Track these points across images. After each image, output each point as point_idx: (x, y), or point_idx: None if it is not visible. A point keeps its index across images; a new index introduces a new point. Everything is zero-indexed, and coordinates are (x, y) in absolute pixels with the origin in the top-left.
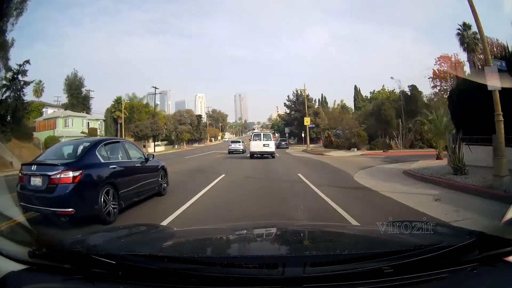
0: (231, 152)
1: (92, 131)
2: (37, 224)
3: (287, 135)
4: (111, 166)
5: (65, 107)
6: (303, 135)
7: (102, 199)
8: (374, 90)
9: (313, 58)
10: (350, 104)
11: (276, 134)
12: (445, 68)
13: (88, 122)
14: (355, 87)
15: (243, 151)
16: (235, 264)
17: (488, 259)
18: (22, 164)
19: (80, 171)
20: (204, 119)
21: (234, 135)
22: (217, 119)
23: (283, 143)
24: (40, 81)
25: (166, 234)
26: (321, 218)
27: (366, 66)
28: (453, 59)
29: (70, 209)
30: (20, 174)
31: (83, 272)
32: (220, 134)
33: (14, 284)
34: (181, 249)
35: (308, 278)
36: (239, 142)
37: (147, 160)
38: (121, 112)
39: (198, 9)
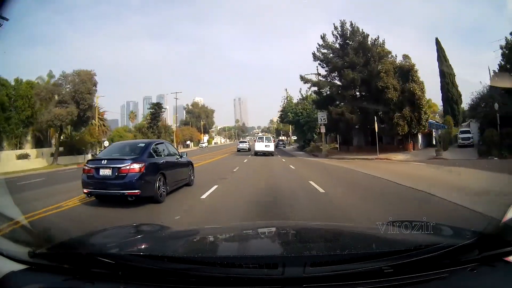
0: (239, 150)
1: None
2: (37, 224)
3: (321, 129)
4: (161, 161)
5: None
6: (376, 128)
7: (157, 185)
8: None
9: (314, 63)
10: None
11: (283, 137)
12: None
13: None
14: (437, 41)
15: (249, 149)
16: (235, 264)
17: (488, 259)
18: (89, 160)
19: (144, 164)
20: (167, 109)
21: (227, 140)
22: (199, 116)
23: (280, 143)
24: None
25: (166, 234)
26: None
27: None
28: None
29: (137, 191)
30: (85, 167)
31: (83, 272)
32: (203, 136)
33: (14, 284)
34: (181, 249)
35: (308, 278)
36: (246, 142)
37: (181, 156)
38: None
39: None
